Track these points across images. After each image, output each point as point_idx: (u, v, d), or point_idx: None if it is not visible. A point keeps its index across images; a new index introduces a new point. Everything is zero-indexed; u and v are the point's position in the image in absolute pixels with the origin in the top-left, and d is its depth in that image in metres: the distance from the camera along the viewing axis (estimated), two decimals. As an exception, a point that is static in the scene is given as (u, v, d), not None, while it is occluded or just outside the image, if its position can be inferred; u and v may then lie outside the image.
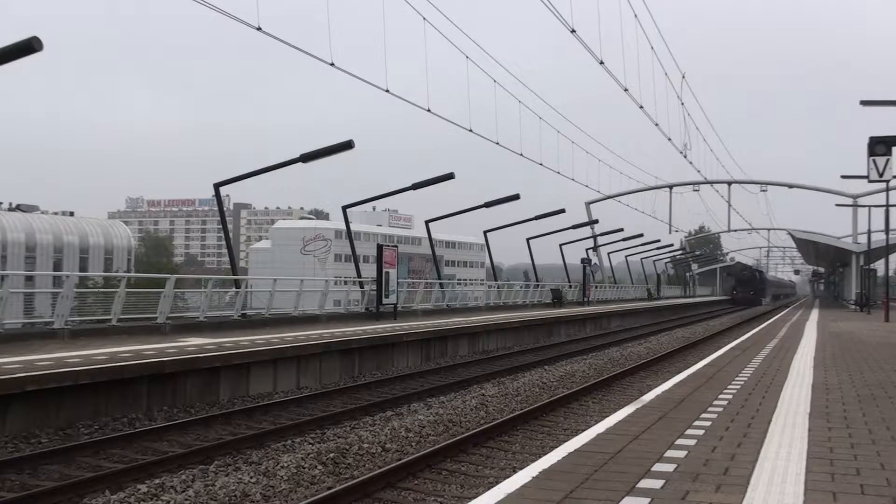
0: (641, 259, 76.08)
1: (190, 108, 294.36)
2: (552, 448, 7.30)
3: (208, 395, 13.28)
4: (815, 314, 41.27)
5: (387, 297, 25.03)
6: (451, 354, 22.21)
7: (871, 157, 19.08)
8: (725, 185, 64.28)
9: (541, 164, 35.55)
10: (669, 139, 36.34)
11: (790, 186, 66.03)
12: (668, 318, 50.10)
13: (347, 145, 23.12)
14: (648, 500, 4.89)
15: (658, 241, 67.00)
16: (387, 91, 21.17)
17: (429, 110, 23.64)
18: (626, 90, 27.39)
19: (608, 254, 67.66)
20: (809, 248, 74.54)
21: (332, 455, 8.96)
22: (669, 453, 6.19)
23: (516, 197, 36.65)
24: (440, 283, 36.22)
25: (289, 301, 23.85)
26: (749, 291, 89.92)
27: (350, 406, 13.22)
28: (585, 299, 47.64)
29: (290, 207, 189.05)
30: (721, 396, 9.45)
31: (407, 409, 13.03)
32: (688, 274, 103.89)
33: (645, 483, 5.27)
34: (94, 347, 13.69)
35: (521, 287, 45.89)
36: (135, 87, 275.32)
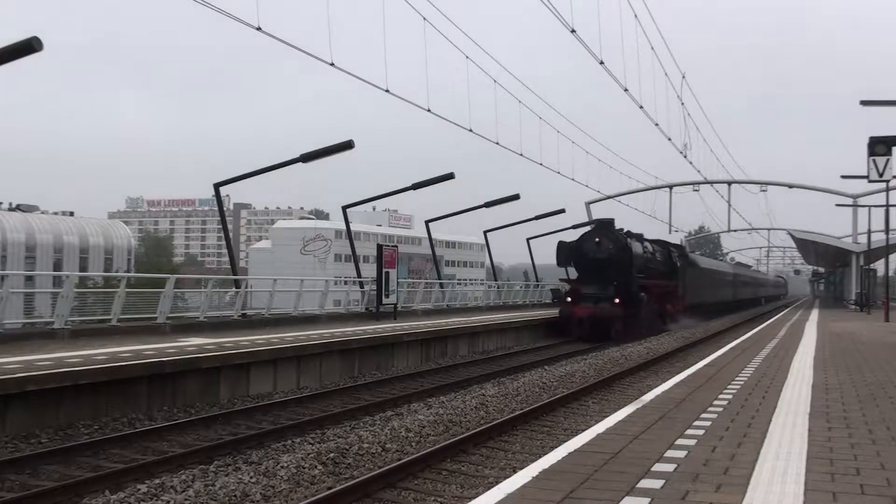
0: (641, 259, 75.76)
1: (190, 108, 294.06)
2: (552, 448, 7.29)
3: (208, 395, 13.29)
4: (814, 314, 41.24)
5: (387, 297, 25.04)
6: (451, 354, 22.21)
7: (871, 157, 19.06)
8: (725, 185, 64.13)
9: (541, 164, 35.53)
10: (669, 139, 36.27)
11: (790, 186, 65.84)
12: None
13: (347, 145, 23.14)
14: (648, 500, 4.89)
15: (658, 241, 66.73)
16: (387, 91, 21.17)
17: (429, 110, 23.62)
18: (626, 90, 27.35)
19: (608, 254, 67.44)
20: (809, 247, 74.41)
21: (332, 455, 8.95)
22: (669, 453, 6.19)
23: (516, 197, 36.65)
24: (440, 283, 36.23)
25: (289, 301, 23.87)
26: (608, 297, 28.87)
27: (350, 406, 13.23)
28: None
29: (290, 207, 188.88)
30: (721, 396, 9.45)
31: (407, 409, 13.03)
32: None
33: (645, 483, 5.27)
34: (94, 347, 13.69)
35: (521, 287, 45.90)
36: (135, 88, 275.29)
